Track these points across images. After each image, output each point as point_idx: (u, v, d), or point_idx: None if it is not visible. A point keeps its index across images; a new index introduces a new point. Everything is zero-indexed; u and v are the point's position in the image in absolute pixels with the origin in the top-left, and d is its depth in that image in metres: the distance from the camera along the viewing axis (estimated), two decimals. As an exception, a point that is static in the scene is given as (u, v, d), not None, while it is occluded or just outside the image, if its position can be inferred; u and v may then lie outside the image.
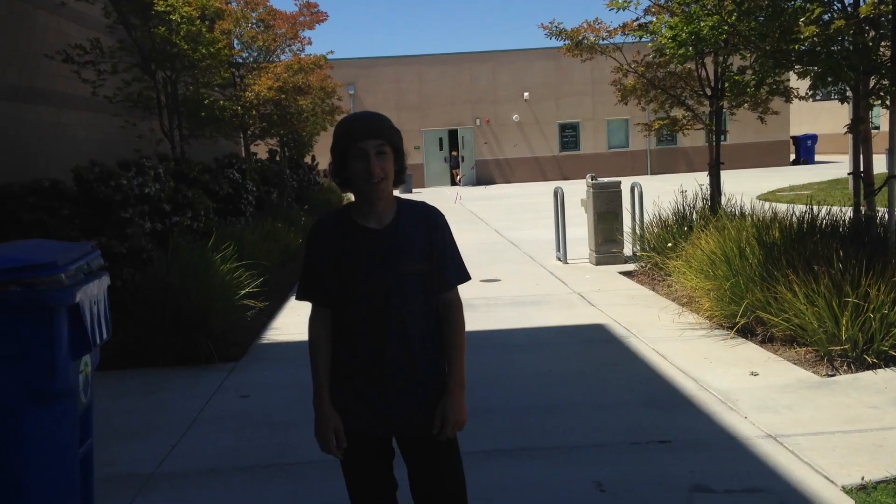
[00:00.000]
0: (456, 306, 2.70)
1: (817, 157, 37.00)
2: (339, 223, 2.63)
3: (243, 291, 8.09)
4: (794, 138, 36.54)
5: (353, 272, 2.57)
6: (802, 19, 6.51)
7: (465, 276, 2.74)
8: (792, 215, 7.89)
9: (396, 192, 2.71)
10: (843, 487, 3.84)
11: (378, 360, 2.59)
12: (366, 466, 2.68)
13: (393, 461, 2.71)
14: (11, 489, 2.97)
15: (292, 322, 8.27)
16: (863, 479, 3.90)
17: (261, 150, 20.83)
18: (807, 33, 6.38)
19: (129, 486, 4.30)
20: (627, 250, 10.94)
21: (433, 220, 2.67)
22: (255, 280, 8.52)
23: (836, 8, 6.82)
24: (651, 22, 9.54)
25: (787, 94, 9.50)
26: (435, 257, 2.63)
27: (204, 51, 10.78)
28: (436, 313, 2.67)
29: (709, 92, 9.98)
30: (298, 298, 2.72)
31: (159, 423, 5.34)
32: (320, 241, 2.63)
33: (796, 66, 7.21)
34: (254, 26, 17.06)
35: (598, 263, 10.90)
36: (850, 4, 6.71)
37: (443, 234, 2.67)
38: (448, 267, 2.67)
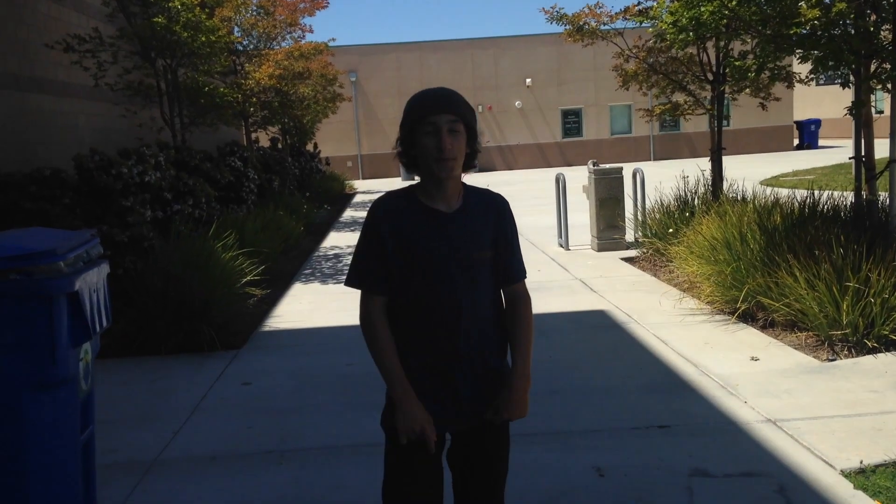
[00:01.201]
0: (525, 299, 2.57)
1: (821, 142, 36.89)
2: (404, 204, 2.46)
3: (245, 279, 8.11)
4: (798, 123, 36.41)
5: (422, 257, 2.40)
6: (803, 2, 6.48)
7: (525, 271, 2.61)
8: (793, 200, 7.88)
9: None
10: (842, 471, 3.86)
11: (445, 350, 2.43)
12: (421, 475, 2.47)
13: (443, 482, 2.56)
14: (13, 476, 2.99)
15: (294, 310, 8.29)
16: (862, 462, 3.91)
17: (262, 137, 20.82)
18: (809, 16, 6.36)
19: (131, 473, 4.33)
20: (629, 236, 10.94)
21: (501, 208, 2.55)
22: (256, 268, 8.53)
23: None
24: (652, 7, 9.50)
25: (789, 79, 9.47)
26: (503, 246, 2.51)
27: (204, 39, 10.76)
28: (500, 303, 2.55)
29: (710, 77, 9.94)
30: (348, 284, 2.50)
31: (161, 411, 5.37)
32: (385, 222, 2.43)
33: (797, 51, 7.18)
34: (254, 13, 17.01)
35: (599, 250, 10.90)
36: (851, -12, 6.67)
37: (511, 222, 2.56)
38: (516, 257, 2.56)
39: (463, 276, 2.42)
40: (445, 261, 2.41)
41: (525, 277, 2.60)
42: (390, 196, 2.50)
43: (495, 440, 2.57)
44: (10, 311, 2.94)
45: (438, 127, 2.35)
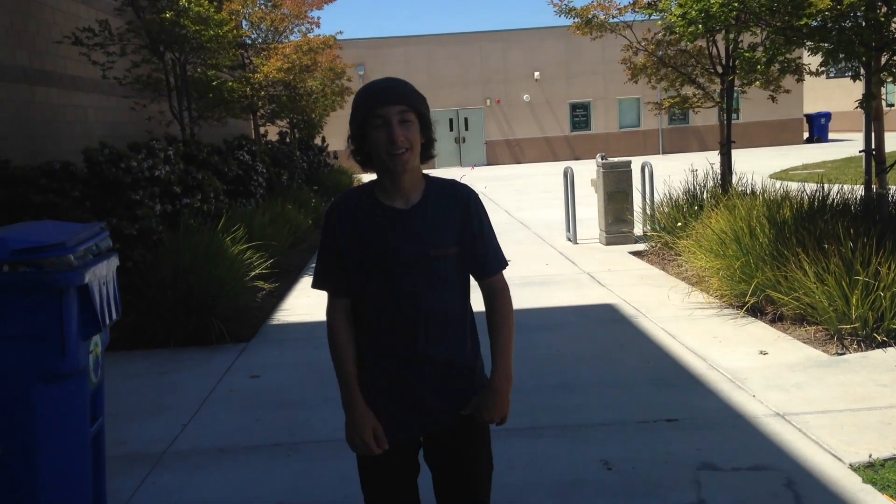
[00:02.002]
0: (502, 293, 2.45)
1: (831, 135, 36.70)
2: (361, 202, 2.36)
3: (253, 273, 8.13)
4: (808, 116, 36.23)
5: (379, 257, 2.31)
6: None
7: (504, 261, 2.49)
8: (803, 194, 7.84)
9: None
10: (850, 465, 3.85)
11: (406, 353, 2.34)
12: (393, 477, 2.41)
13: (418, 477, 2.50)
14: (23, 468, 3.01)
15: (302, 303, 8.31)
16: (870, 456, 3.90)
17: (271, 131, 20.84)
18: (821, 6, 6.31)
19: (140, 465, 4.35)
20: (637, 230, 10.91)
21: (466, 200, 2.40)
22: (265, 262, 8.55)
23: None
24: (661, -1, 9.46)
25: (799, 72, 9.42)
26: (469, 241, 2.39)
27: (212, 32, 10.77)
28: (468, 300, 2.44)
29: (720, 70, 9.90)
30: (315, 287, 2.43)
31: (170, 403, 5.39)
32: (340, 223, 2.35)
33: (807, 43, 7.14)
34: (262, 6, 17.02)
35: (607, 244, 10.88)
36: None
37: (479, 215, 2.42)
38: (488, 251, 2.43)
39: (423, 275, 2.32)
40: (403, 260, 2.31)
41: (503, 269, 2.48)
42: (347, 195, 2.42)
43: (471, 440, 2.46)
44: (20, 303, 2.96)
45: (388, 119, 2.25)
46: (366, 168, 2.37)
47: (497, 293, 2.45)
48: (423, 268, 2.32)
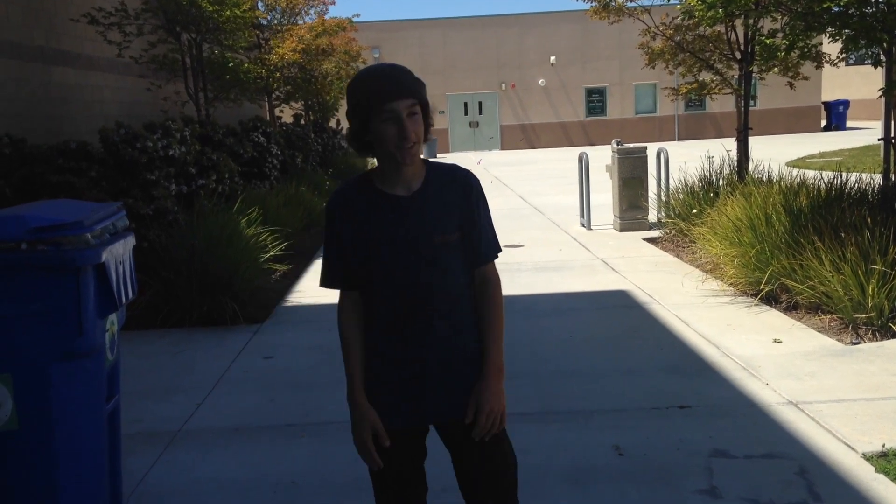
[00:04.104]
0: (493, 282, 2.42)
1: (849, 123, 36.35)
2: (360, 192, 2.34)
3: (268, 255, 8.15)
4: (826, 104, 35.89)
5: (381, 246, 2.29)
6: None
7: (498, 249, 2.46)
8: (820, 182, 7.78)
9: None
10: (863, 454, 3.83)
11: (416, 343, 2.32)
12: (398, 469, 2.41)
13: (424, 462, 2.51)
14: (40, 445, 3.04)
15: (315, 286, 8.28)
16: (884, 446, 3.89)
17: (286, 114, 20.85)
18: (842, -9, 6.25)
19: (155, 443, 4.39)
20: (652, 217, 10.86)
21: (467, 185, 2.38)
22: (279, 243, 8.57)
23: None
24: (680, -17, 9.38)
25: (819, 59, 9.32)
26: (469, 227, 2.36)
27: (229, 13, 10.76)
28: (471, 286, 2.41)
29: (738, 56, 9.81)
30: (322, 286, 2.42)
31: (185, 383, 5.43)
32: (341, 215, 2.33)
33: (828, 29, 7.07)
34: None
35: (621, 230, 10.84)
36: (885, -35, 6.55)
37: (478, 200, 2.39)
38: (484, 239, 2.40)
39: (427, 263, 2.29)
40: (406, 247, 2.28)
41: (495, 258, 2.45)
42: (345, 187, 2.38)
43: (488, 446, 2.40)
44: (37, 281, 2.98)
45: (398, 114, 2.20)
46: (363, 155, 2.35)
47: (490, 282, 2.42)
48: (427, 255, 2.30)
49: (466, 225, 2.37)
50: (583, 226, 11.43)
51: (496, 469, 2.44)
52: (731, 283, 7.14)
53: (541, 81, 34.98)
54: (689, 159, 13.34)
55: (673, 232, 9.67)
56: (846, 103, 35.99)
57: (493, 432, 2.35)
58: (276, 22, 17.15)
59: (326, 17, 18.14)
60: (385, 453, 2.37)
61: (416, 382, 2.35)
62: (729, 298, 6.92)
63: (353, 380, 2.37)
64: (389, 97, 2.20)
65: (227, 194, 9.47)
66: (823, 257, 5.96)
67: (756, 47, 9.39)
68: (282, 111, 19.28)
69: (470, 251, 2.39)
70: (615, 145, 11.15)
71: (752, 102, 10.24)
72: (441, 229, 2.32)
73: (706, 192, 9.56)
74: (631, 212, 10.85)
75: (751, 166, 9.75)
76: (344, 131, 26.20)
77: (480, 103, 35.25)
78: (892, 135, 7.00)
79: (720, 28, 9.78)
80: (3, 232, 2.96)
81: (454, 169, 2.42)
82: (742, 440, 4.09)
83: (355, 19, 18.84)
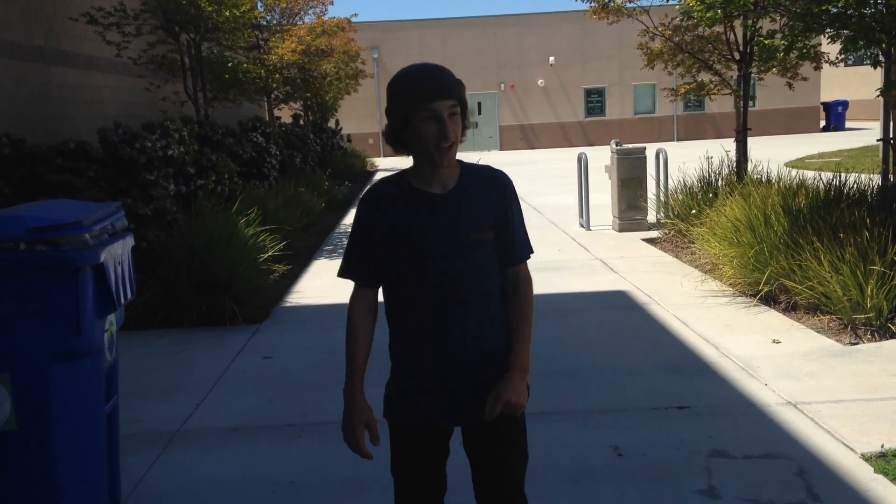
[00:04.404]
0: (526, 282, 2.44)
1: (848, 124, 36.36)
2: (396, 189, 2.34)
3: (266, 255, 8.15)
4: (825, 104, 35.91)
5: (417, 243, 2.29)
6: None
7: (530, 249, 2.47)
8: (819, 183, 7.79)
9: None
10: (862, 455, 3.84)
11: (446, 341, 2.32)
12: (421, 463, 2.43)
13: (446, 462, 2.51)
14: (39, 445, 3.04)
15: (314, 286, 8.33)
16: (882, 446, 3.89)
17: (284, 114, 20.85)
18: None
19: (154, 443, 4.39)
20: (651, 217, 10.87)
21: (501, 185, 2.39)
22: (278, 244, 8.58)
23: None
24: (679, -16, 9.38)
25: (818, 59, 9.33)
26: (503, 226, 2.37)
27: (228, 13, 10.76)
28: (502, 286, 2.42)
29: (737, 56, 9.82)
30: (341, 275, 2.42)
31: (183, 383, 5.43)
32: (374, 210, 2.34)
33: (827, 30, 7.07)
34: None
35: (620, 230, 10.85)
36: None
37: (512, 200, 2.40)
38: (517, 238, 2.41)
39: (461, 261, 2.30)
40: (442, 245, 2.29)
41: (528, 258, 2.47)
42: (381, 183, 2.39)
43: (507, 429, 2.44)
44: (36, 281, 2.98)
45: (440, 114, 2.22)
46: (398, 152, 2.34)
47: (522, 281, 2.44)
48: (462, 253, 2.31)
49: (500, 224, 2.38)
50: (582, 226, 11.43)
51: (513, 459, 2.47)
52: (730, 284, 7.14)
53: (540, 82, 34.98)
54: (688, 160, 13.35)
55: (672, 232, 9.67)
56: (845, 104, 36.02)
57: (506, 414, 2.36)
58: (275, 22, 17.15)
59: (325, 17, 18.14)
60: (411, 449, 2.41)
61: (445, 380, 2.35)
62: (728, 299, 6.92)
63: (353, 375, 2.39)
64: (431, 97, 2.22)
65: (226, 194, 9.47)
66: (822, 258, 5.96)
67: (755, 48, 9.40)
68: (280, 110, 19.28)
69: (503, 250, 2.40)
70: (614, 146, 11.16)
71: (750, 103, 10.25)
72: (476, 227, 2.33)
73: (705, 193, 9.56)
74: (630, 212, 10.85)
75: (750, 167, 9.76)
76: (343, 131, 26.27)
77: (480, 103, 35.24)
78: (891, 135, 7.01)
79: (719, 28, 9.79)
80: (3, 232, 2.96)
81: (488, 169, 2.44)
82: (741, 440, 4.09)
83: (354, 19, 18.83)
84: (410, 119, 2.25)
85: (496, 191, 2.38)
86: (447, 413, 2.38)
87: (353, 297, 2.42)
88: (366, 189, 2.40)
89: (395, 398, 2.42)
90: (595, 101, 35.34)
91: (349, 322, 2.42)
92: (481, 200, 2.35)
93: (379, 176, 23.56)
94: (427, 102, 2.22)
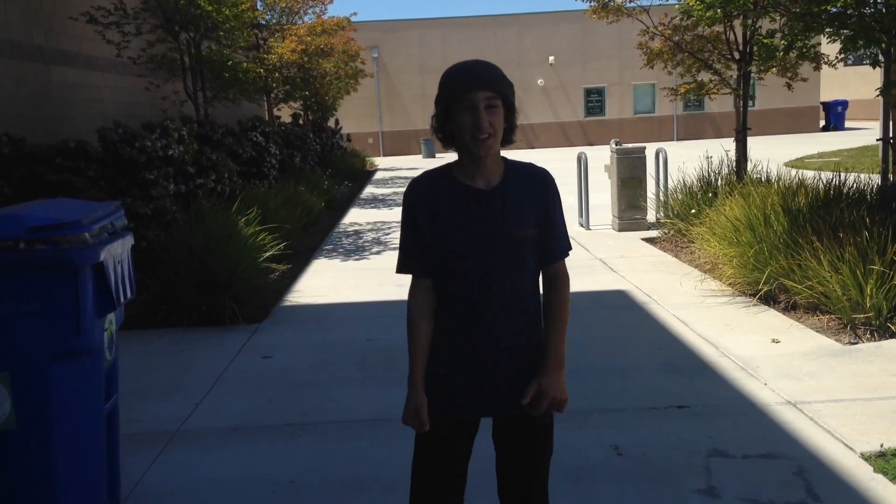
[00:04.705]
0: (564, 278, 2.47)
1: (847, 124, 36.36)
2: (440, 183, 2.39)
3: (266, 254, 8.15)
4: (825, 104, 35.90)
5: (459, 236, 2.33)
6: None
7: (569, 246, 2.50)
8: (818, 182, 7.79)
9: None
10: (861, 454, 3.84)
11: (486, 333, 2.36)
12: (448, 457, 2.45)
13: (468, 462, 2.54)
14: (39, 444, 3.04)
15: (314, 285, 8.33)
16: (882, 446, 3.89)
17: (284, 113, 20.84)
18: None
19: (154, 443, 4.39)
20: (650, 217, 10.87)
21: (545, 183, 2.42)
22: (278, 243, 8.57)
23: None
24: (679, -17, 9.38)
25: (817, 59, 9.34)
26: (546, 223, 2.40)
27: (227, 12, 10.76)
28: (539, 283, 2.46)
29: (737, 56, 9.82)
30: (399, 272, 2.46)
31: (183, 382, 5.43)
32: (418, 203, 2.37)
33: (826, 29, 7.07)
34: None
35: (620, 230, 10.85)
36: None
37: (555, 198, 2.44)
38: (557, 236, 2.44)
39: (503, 255, 2.34)
40: (484, 239, 2.33)
41: (567, 255, 2.50)
42: (425, 177, 2.43)
43: (536, 425, 2.48)
44: (36, 280, 2.98)
45: (476, 104, 2.26)
46: (446, 147, 2.39)
47: (561, 278, 2.47)
48: (504, 248, 2.34)
49: (543, 221, 2.41)
50: (581, 226, 11.43)
51: (542, 453, 2.51)
52: (730, 284, 7.14)
53: (539, 81, 34.96)
54: (687, 159, 13.35)
55: (671, 232, 9.67)
56: (845, 103, 36.01)
57: (552, 412, 2.43)
58: (274, 21, 17.15)
59: (325, 16, 18.13)
60: (439, 442, 2.42)
61: (482, 372, 2.39)
62: (727, 298, 6.92)
63: (415, 363, 2.40)
64: (468, 87, 2.27)
65: (225, 194, 9.47)
66: (822, 257, 5.96)
67: (754, 47, 9.40)
68: (280, 110, 19.27)
69: (544, 247, 2.43)
70: (614, 145, 11.16)
71: (750, 103, 10.26)
72: (519, 224, 2.36)
73: (705, 193, 9.57)
74: (630, 212, 10.85)
75: (749, 166, 9.76)
76: (342, 131, 26.24)
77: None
78: (891, 135, 7.01)
79: (719, 28, 9.79)
80: (2, 231, 2.96)
81: (532, 166, 2.47)
82: (741, 440, 4.09)
83: (353, 18, 18.84)
84: (452, 111, 2.30)
85: (540, 188, 2.42)
86: (482, 405, 2.41)
87: (412, 288, 2.45)
88: (410, 183, 2.44)
89: (432, 387, 2.41)
90: (595, 100, 35.33)
91: (410, 312, 2.43)
92: (525, 198, 2.38)
93: (379, 175, 23.58)
94: (464, 93, 2.27)
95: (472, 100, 2.26)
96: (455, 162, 2.41)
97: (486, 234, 2.33)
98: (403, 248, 2.44)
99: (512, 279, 2.36)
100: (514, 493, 2.53)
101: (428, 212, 2.36)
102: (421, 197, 2.38)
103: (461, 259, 2.34)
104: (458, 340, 2.39)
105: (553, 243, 2.44)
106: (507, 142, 2.40)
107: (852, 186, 7.57)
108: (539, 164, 2.49)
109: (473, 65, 2.34)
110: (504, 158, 2.42)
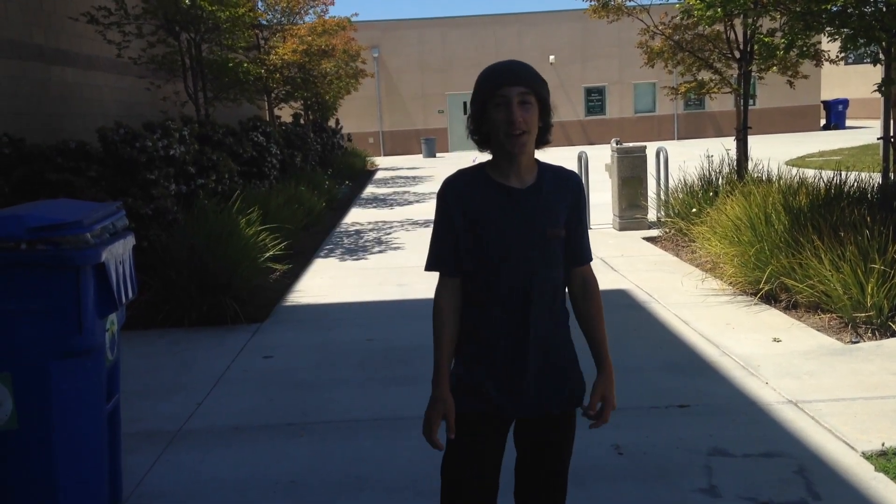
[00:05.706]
0: (594, 282, 2.50)
1: (848, 122, 36.36)
2: (475, 181, 2.37)
3: (267, 254, 8.16)
4: (825, 103, 35.88)
5: (494, 234, 2.33)
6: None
7: (591, 253, 2.56)
8: (819, 181, 7.79)
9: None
10: (862, 453, 3.84)
11: (517, 333, 2.35)
12: (483, 452, 2.42)
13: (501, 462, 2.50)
14: (40, 444, 3.04)
15: (315, 285, 8.34)
16: (883, 445, 3.89)
17: (285, 113, 20.85)
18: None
19: (155, 443, 4.39)
20: (651, 216, 10.87)
21: (577, 186, 2.44)
22: (278, 243, 8.58)
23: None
24: (679, -18, 9.38)
25: (818, 58, 9.34)
26: (574, 226, 2.43)
27: (228, 13, 10.76)
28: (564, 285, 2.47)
29: (737, 55, 9.82)
30: (428, 269, 2.43)
31: (185, 382, 5.43)
32: (453, 201, 2.35)
33: (827, 28, 7.07)
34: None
35: (621, 229, 10.85)
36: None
37: (584, 202, 2.47)
38: (584, 240, 2.47)
39: (536, 254, 2.34)
40: (518, 237, 2.33)
41: (592, 259, 2.54)
42: (460, 175, 2.42)
43: (564, 427, 2.50)
44: (37, 280, 2.98)
45: (509, 99, 2.26)
46: (482, 148, 2.39)
47: (591, 282, 2.50)
48: (538, 247, 2.34)
49: (572, 223, 2.43)
50: (582, 225, 11.42)
51: (566, 453, 2.55)
52: (731, 283, 7.15)
53: (540, 81, 34.92)
54: (688, 158, 13.35)
55: (672, 231, 9.67)
56: (845, 102, 35.99)
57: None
58: (275, 22, 17.15)
59: (326, 17, 18.14)
60: (472, 440, 2.39)
61: (514, 371, 2.38)
62: (728, 297, 6.92)
63: (440, 364, 2.38)
64: (501, 83, 2.28)
65: (226, 194, 9.47)
66: (823, 256, 5.96)
67: (755, 46, 9.40)
68: (280, 110, 19.28)
69: (572, 250, 2.45)
70: (614, 144, 11.16)
71: (751, 101, 10.25)
72: (551, 224, 2.37)
73: (705, 192, 9.57)
74: (630, 211, 10.85)
75: (750, 165, 9.76)
76: (343, 130, 26.23)
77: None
78: (892, 133, 7.01)
79: (719, 27, 9.79)
80: (3, 231, 2.96)
81: (563, 169, 2.49)
82: (741, 439, 4.09)
83: (354, 18, 18.84)
84: (486, 110, 2.31)
85: (570, 191, 2.43)
86: (515, 403, 2.40)
87: (439, 287, 2.43)
88: (444, 181, 2.43)
89: (464, 387, 2.39)
90: (595, 99, 35.32)
91: (436, 312, 2.40)
92: (557, 199, 2.39)
93: (379, 175, 23.57)
94: (498, 89, 2.28)
95: (506, 95, 2.26)
96: (489, 161, 2.41)
97: (518, 232, 2.33)
98: (435, 246, 2.42)
99: (544, 277, 2.36)
100: (536, 493, 2.52)
101: (462, 210, 2.35)
102: (455, 196, 2.37)
103: (495, 256, 2.34)
104: (492, 337, 2.37)
105: (581, 246, 2.46)
106: (543, 142, 2.39)
107: (853, 185, 7.58)
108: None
109: (507, 63, 2.35)
110: (537, 160, 2.43)
